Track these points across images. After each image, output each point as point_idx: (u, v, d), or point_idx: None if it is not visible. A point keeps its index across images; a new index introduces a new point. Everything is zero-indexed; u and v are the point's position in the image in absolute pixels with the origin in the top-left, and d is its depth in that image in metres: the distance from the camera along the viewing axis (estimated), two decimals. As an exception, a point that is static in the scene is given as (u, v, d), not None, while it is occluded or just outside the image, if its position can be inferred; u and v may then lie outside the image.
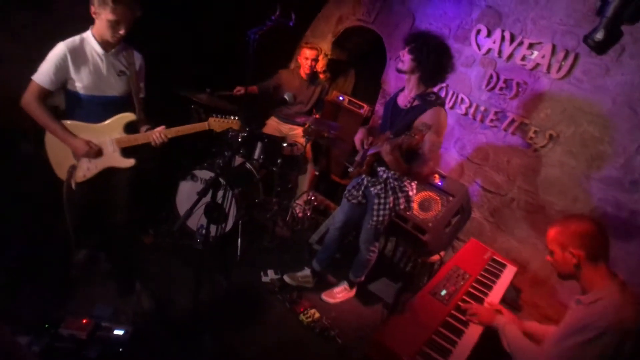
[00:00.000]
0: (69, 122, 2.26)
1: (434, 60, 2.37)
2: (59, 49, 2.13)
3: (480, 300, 2.29)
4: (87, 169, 2.36)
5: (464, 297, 2.27)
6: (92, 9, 2.09)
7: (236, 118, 2.58)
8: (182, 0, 3.54)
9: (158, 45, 3.28)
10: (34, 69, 2.15)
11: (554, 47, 3.04)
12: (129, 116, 2.37)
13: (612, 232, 2.71)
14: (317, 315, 2.89)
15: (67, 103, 2.29)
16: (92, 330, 2.26)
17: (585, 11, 2.89)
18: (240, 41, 2.97)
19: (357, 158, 2.76)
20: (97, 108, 2.29)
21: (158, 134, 2.36)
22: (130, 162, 2.42)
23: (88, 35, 2.20)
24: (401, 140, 2.21)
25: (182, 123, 2.49)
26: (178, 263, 3.06)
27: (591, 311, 1.65)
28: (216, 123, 2.54)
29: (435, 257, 3.26)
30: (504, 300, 2.45)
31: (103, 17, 2.09)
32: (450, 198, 3.21)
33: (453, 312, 2.13)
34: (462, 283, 2.36)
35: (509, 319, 2.07)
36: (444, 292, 2.23)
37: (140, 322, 2.47)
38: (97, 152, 2.32)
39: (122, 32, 2.16)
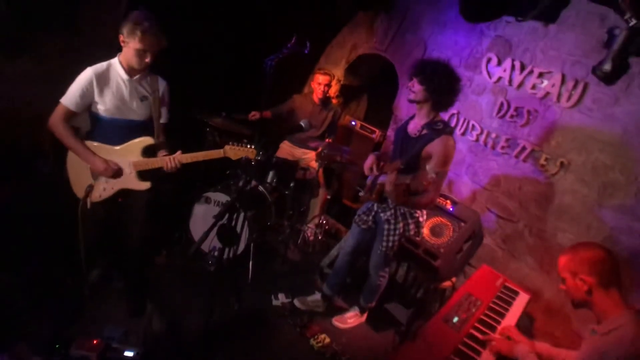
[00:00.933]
0: (90, 142, 2.36)
1: (445, 86, 2.42)
2: (87, 74, 2.25)
3: (492, 328, 2.27)
4: (103, 190, 2.44)
5: (476, 324, 2.26)
6: (121, 37, 2.22)
7: (252, 147, 2.56)
8: (201, 26, 3.67)
9: (175, 69, 3.40)
10: (58, 92, 2.27)
11: (563, 77, 3.08)
12: (147, 140, 2.45)
13: (627, 260, 2.70)
14: (327, 340, 2.87)
15: (91, 125, 2.40)
16: (103, 351, 2.27)
17: (594, 43, 2.94)
18: (256, 66, 3.07)
19: (368, 182, 2.79)
20: (118, 131, 2.38)
21: (171, 160, 2.42)
22: (145, 185, 2.49)
23: (115, 61, 2.32)
24: (410, 181, 2.26)
25: (196, 145, 2.55)
26: (190, 284, 3.09)
27: (607, 341, 1.64)
28: (232, 151, 2.54)
29: (447, 284, 3.24)
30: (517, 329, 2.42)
31: (131, 45, 2.21)
32: (462, 224, 3.21)
33: (465, 339, 2.12)
34: (474, 310, 2.35)
35: (528, 347, 2.05)
36: (456, 319, 2.22)
37: (150, 344, 2.48)
38: (116, 172, 2.39)
39: (148, 60, 2.27)
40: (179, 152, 2.46)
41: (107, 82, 2.29)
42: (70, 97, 2.25)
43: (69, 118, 2.29)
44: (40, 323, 2.42)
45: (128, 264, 2.80)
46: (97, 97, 2.28)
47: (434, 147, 2.41)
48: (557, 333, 3.06)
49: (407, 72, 4.27)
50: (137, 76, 2.36)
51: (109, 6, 2.42)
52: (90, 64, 2.29)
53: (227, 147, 2.54)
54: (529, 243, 3.28)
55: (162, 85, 2.50)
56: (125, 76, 2.32)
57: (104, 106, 2.30)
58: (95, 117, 2.35)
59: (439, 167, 2.40)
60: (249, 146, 2.56)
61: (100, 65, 2.29)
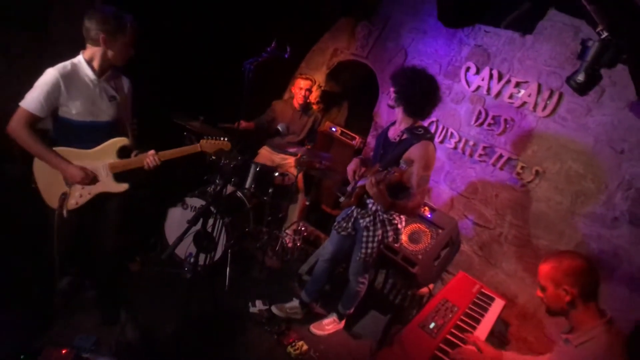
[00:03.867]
0: (60, 148, 2.22)
1: (412, 90, 2.41)
2: (51, 75, 2.09)
3: (469, 334, 2.28)
4: (79, 196, 2.32)
5: (453, 330, 2.27)
6: (103, 36, 2.09)
7: (226, 139, 2.61)
8: (180, 28, 3.62)
9: (153, 72, 3.34)
10: (25, 92, 2.12)
11: (539, 87, 3.16)
12: (122, 141, 2.35)
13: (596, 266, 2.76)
14: (305, 347, 2.84)
15: (56, 129, 2.24)
16: (72, 361, 2.20)
17: (568, 54, 3.03)
18: (235, 70, 3.04)
19: (349, 188, 2.78)
20: (89, 134, 2.26)
21: (151, 158, 2.35)
22: (123, 186, 2.40)
23: (80, 61, 2.18)
24: (382, 176, 2.25)
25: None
26: (165, 292, 3.01)
27: (581, 354, 1.66)
28: (208, 145, 2.57)
29: (425, 290, 3.26)
30: (492, 334, 2.45)
31: (120, 41, 2.13)
32: (440, 231, 3.23)
33: (442, 345, 2.12)
34: (450, 316, 2.36)
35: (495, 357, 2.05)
36: (432, 325, 2.22)
37: (123, 353, 2.41)
38: (94, 179, 2.29)
39: (132, 52, 2.23)
40: (152, 151, 2.38)
41: (75, 83, 2.16)
42: (34, 101, 2.08)
43: (32, 123, 2.13)
44: (5, 333, 2.30)
45: (100, 272, 2.70)
46: (64, 100, 2.14)
47: (415, 152, 2.41)
48: (530, 338, 3.11)
49: (387, 79, 4.31)
50: (104, 76, 2.25)
51: (80, 5, 2.33)
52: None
53: (203, 142, 2.56)
54: (504, 250, 3.33)
55: (126, 83, 2.42)
56: (93, 76, 2.20)
57: (74, 110, 2.17)
58: (62, 121, 2.20)
59: (422, 171, 2.42)
60: (222, 139, 2.60)
61: (64, 66, 2.13)
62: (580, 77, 2.00)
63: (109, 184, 2.37)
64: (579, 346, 1.68)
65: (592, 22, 1.89)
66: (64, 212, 2.27)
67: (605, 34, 1.83)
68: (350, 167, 2.74)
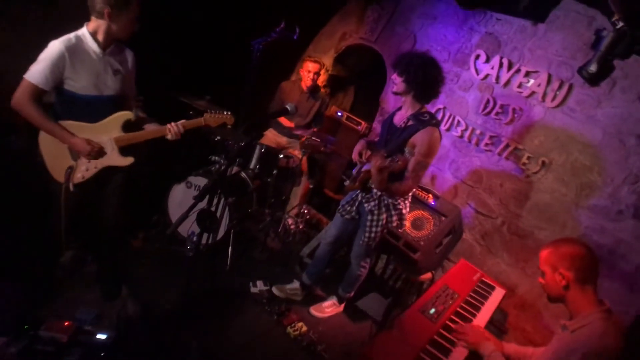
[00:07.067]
0: (64, 122, 2.21)
1: (421, 76, 2.41)
2: (56, 48, 2.06)
3: (468, 321, 2.30)
4: (85, 170, 2.32)
5: (452, 316, 2.28)
6: (108, 10, 2.05)
7: (229, 113, 2.60)
8: (188, 7, 3.58)
9: (160, 50, 3.31)
10: (31, 63, 2.08)
11: (549, 77, 3.12)
12: (127, 114, 2.33)
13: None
14: (304, 328, 2.87)
15: (60, 103, 2.22)
16: (74, 333, 2.20)
17: (581, 44, 2.99)
18: (242, 49, 3.01)
19: (354, 172, 2.78)
20: (93, 108, 2.25)
21: (174, 125, 2.37)
22: (129, 160, 2.39)
23: (84, 33, 2.13)
24: (388, 163, 2.26)
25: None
26: (166, 269, 3.03)
27: (576, 338, 1.67)
28: (211, 118, 2.55)
29: (426, 276, 3.27)
30: (491, 322, 2.46)
31: (126, 15, 2.10)
32: (443, 218, 3.23)
33: (441, 330, 2.14)
34: (450, 302, 2.37)
35: (495, 347, 2.07)
36: (432, 311, 2.24)
37: (124, 327, 2.43)
38: (99, 151, 2.28)
39: (137, 26, 2.20)
40: (173, 123, 2.40)
41: (80, 56, 2.13)
42: (39, 73, 2.05)
43: (37, 96, 2.09)
44: (8, 304, 2.33)
45: (102, 247, 2.71)
46: (69, 73, 2.11)
47: (419, 138, 2.41)
48: (528, 328, 3.13)
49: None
50: (109, 49, 2.22)
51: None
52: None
53: (206, 115, 2.54)
54: (506, 240, 3.34)
55: (130, 56, 2.38)
56: (98, 50, 2.16)
57: (79, 83, 2.15)
58: (66, 95, 2.17)
59: (421, 157, 2.41)
60: (225, 113, 2.58)
61: (69, 39, 2.09)
62: (593, 68, 1.97)
63: (114, 158, 2.36)
64: (575, 332, 1.70)
65: (608, 12, 1.86)
66: (71, 185, 2.27)
67: (620, 24, 1.79)
68: (357, 148, 2.75)
